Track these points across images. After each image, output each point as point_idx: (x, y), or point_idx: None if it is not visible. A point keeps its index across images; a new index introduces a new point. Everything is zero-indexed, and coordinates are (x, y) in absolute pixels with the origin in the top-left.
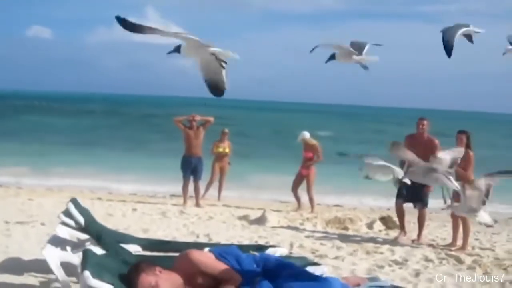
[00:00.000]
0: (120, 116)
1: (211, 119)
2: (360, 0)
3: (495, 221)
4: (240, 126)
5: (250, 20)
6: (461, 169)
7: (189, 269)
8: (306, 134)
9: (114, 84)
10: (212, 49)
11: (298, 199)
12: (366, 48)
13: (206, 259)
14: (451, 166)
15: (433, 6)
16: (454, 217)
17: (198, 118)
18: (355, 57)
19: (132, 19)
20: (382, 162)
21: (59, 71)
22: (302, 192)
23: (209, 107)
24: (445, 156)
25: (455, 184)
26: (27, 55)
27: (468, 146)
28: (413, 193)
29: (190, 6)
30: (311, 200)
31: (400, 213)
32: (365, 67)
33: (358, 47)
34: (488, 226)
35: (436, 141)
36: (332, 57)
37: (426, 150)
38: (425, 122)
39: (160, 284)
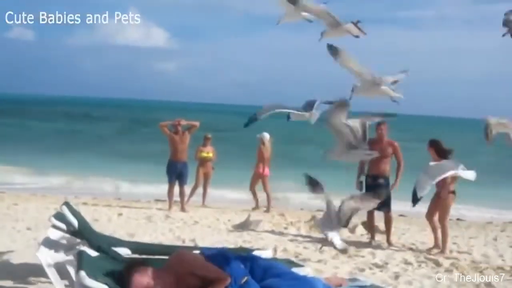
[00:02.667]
0: (103, 120)
1: (197, 123)
2: (341, 5)
3: None
4: (223, 132)
5: (231, 23)
6: None
7: (180, 269)
8: (266, 136)
9: (95, 87)
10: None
11: (256, 197)
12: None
13: (196, 260)
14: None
15: (411, 12)
16: (431, 221)
17: (183, 122)
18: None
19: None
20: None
21: (41, 73)
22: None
23: (191, 112)
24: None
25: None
26: (8, 57)
27: (439, 155)
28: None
29: (172, 9)
30: (268, 197)
31: (370, 221)
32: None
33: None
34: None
35: (396, 143)
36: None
37: (384, 152)
38: (382, 126)
39: (152, 284)
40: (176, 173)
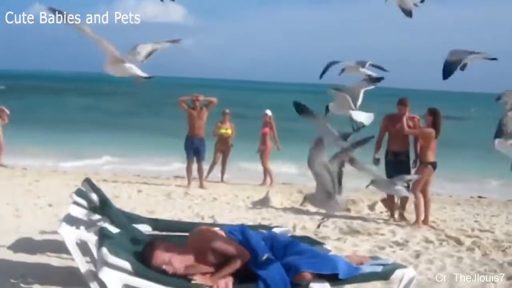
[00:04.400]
0: (120, 97)
1: (214, 99)
2: None
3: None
4: (240, 107)
5: (247, 0)
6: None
7: (200, 246)
8: (269, 112)
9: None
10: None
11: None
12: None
13: (217, 236)
14: None
15: None
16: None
17: (201, 98)
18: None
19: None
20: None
21: (59, 50)
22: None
23: (209, 88)
24: None
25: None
26: (28, 35)
27: (434, 125)
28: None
29: None
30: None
31: (390, 198)
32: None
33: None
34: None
35: (416, 117)
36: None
37: (404, 128)
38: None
39: (173, 260)
40: (192, 148)
